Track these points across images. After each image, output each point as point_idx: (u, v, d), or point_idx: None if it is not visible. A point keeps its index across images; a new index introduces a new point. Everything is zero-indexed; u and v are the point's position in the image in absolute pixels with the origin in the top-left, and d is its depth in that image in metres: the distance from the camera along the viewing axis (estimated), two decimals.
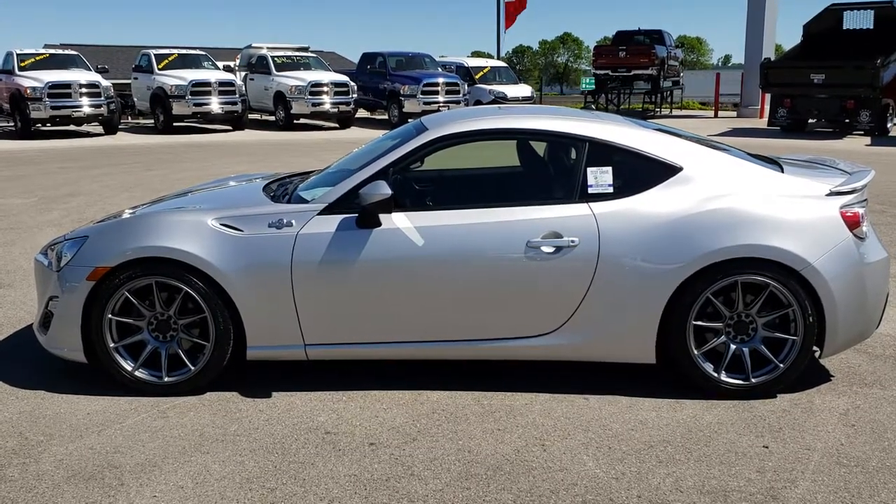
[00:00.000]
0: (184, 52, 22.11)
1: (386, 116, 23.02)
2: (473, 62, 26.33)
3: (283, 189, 4.57)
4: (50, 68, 19.26)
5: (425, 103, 20.96)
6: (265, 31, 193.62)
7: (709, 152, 4.17)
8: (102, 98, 18.87)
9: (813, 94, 18.75)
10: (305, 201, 4.14)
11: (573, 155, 4.19)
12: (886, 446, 3.50)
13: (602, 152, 4.07)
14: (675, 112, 28.96)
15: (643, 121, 4.87)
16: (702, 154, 4.13)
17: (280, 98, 21.32)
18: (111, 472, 3.31)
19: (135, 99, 22.06)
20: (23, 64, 19.26)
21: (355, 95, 21.81)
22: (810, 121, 19.94)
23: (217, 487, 3.19)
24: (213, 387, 4.11)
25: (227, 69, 23.30)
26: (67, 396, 4.06)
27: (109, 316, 3.99)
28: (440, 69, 23.47)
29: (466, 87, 22.61)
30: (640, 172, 4.03)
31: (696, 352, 3.94)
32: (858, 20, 19.85)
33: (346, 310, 3.97)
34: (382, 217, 3.93)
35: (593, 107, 26.95)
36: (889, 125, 18.79)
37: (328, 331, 4.02)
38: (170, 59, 21.22)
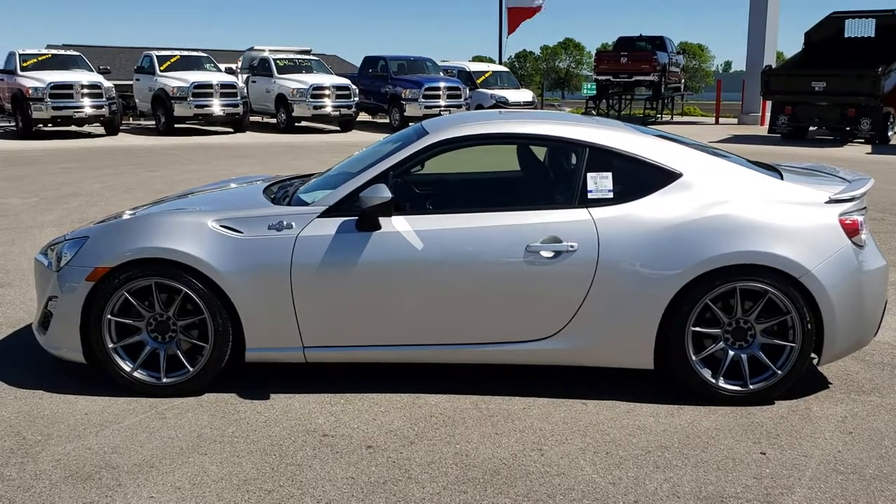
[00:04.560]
0: (186, 53, 22.12)
1: (387, 120, 23.04)
2: (475, 66, 26.35)
3: (283, 191, 4.58)
4: (52, 69, 19.27)
5: (426, 107, 20.97)
6: (267, 33, 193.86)
7: (708, 159, 4.18)
8: (104, 99, 18.88)
9: (814, 101, 18.77)
10: (306, 204, 4.14)
11: (573, 160, 4.20)
12: (883, 454, 3.51)
13: (602, 158, 4.08)
14: (676, 118, 28.99)
15: (643, 127, 4.88)
16: (701, 160, 4.14)
17: (281, 101, 21.33)
18: (109, 473, 3.31)
19: (136, 100, 22.05)
20: (25, 64, 19.27)
21: (357, 99, 21.83)
22: (811, 128, 19.96)
23: (214, 489, 3.19)
24: (211, 388, 4.11)
25: (229, 71, 23.30)
26: (66, 396, 4.06)
27: (108, 316, 3.99)
28: (442, 73, 23.51)
29: (468, 92, 22.61)
30: (639, 178, 4.04)
31: (694, 358, 3.94)
32: (860, 28, 19.87)
33: (345, 312, 3.98)
34: (382, 220, 3.94)
35: (594, 112, 26.97)
36: (890, 133, 18.79)
37: (327, 333, 4.02)
38: (172, 60, 21.23)
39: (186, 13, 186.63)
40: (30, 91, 18.11)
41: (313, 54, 25.81)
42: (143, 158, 15.11)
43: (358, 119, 22.93)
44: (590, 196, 4.01)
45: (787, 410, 3.94)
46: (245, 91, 21.23)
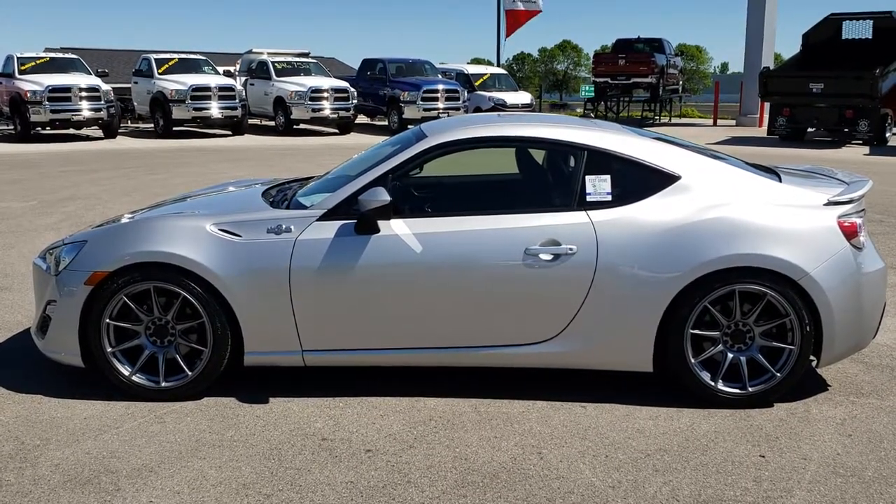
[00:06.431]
0: (184, 56, 22.09)
1: (386, 123, 23.04)
2: (473, 69, 26.35)
3: (282, 195, 4.58)
4: (50, 72, 19.25)
5: (425, 110, 20.97)
6: (266, 36, 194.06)
7: (707, 161, 4.18)
8: (102, 102, 18.86)
9: (812, 103, 18.79)
10: (304, 207, 4.14)
11: (572, 163, 4.20)
12: (883, 456, 3.51)
13: (600, 160, 4.08)
14: (674, 120, 29.01)
15: (642, 129, 4.88)
16: (700, 163, 4.14)
17: (280, 103, 21.32)
18: (107, 477, 3.31)
19: (135, 103, 22.02)
20: (23, 67, 19.25)
21: (355, 101, 21.81)
22: (809, 130, 19.97)
23: (213, 493, 3.19)
24: (210, 392, 4.11)
25: (228, 74, 23.28)
26: (64, 401, 4.06)
27: (107, 320, 3.99)
28: (440, 76, 23.48)
29: (466, 94, 22.61)
30: (638, 181, 4.04)
31: (693, 360, 3.94)
32: (857, 30, 19.90)
33: (343, 316, 3.97)
34: (381, 223, 3.94)
35: (592, 115, 26.97)
36: (888, 135, 18.82)
37: (326, 337, 4.02)
38: (170, 63, 21.20)
39: (185, 16, 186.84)
40: (28, 94, 18.10)
41: (311, 57, 25.79)
42: (142, 161, 15.10)
43: (356, 121, 22.91)
44: (588, 199, 4.01)
45: (786, 413, 3.94)
46: (243, 94, 21.21)
